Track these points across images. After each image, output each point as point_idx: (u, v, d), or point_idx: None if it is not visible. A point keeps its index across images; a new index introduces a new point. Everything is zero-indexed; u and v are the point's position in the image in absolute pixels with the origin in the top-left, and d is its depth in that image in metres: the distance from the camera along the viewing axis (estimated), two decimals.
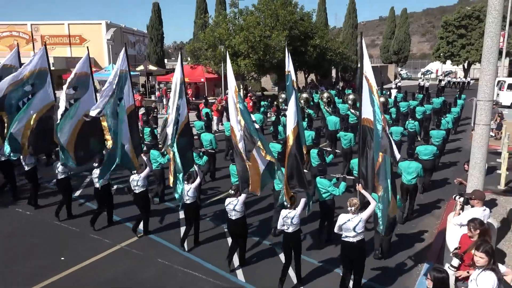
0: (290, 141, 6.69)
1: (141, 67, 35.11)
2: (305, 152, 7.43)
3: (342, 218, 6.22)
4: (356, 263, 6.36)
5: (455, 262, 5.28)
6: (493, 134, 17.53)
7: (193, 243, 8.48)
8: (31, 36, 40.11)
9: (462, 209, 6.88)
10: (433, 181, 12.50)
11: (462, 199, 6.79)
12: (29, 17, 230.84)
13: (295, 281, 7.02)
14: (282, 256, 7.44)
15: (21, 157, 10.32)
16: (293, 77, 7.18)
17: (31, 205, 10.72)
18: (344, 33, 47.10)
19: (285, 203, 6.81)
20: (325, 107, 18.71)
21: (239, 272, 7.50)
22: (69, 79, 9.38)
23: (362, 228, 6.13)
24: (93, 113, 8.31)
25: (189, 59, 31.30)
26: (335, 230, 6.43)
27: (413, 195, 9.67)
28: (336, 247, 7.90)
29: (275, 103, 22.13)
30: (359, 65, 6.48)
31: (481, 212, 6.40)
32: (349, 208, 6.20)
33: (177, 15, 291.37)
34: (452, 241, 6.79)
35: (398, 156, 6.21)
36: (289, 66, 7.17)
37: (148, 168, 8.88)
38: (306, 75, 37.48)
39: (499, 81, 27.18)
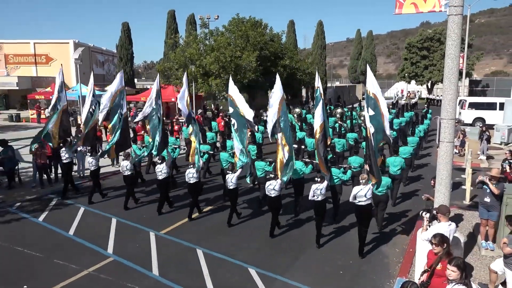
0: (318, 134, 9.56)
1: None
2: (329, 142, 10.32)
3: (355, 189, 8.66)
4: (366, 220, 8.82)
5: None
6: (457, 151, 18.25)
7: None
8: None
9: (430, 224, 7.07)
10: (403, 194, 12.85)
11: (428, 214, 7.00)
12: None
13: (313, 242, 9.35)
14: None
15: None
16: (321, 91, 9.91)
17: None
18: (314, 54, 48.29)
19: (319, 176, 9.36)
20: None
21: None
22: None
23: (370, 195, 8.62)
24: (139, 118, 12.38)
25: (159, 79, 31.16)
26: (350, 199, 8.76)
27: (397, 184, 12.07)
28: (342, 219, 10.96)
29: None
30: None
31: (446, 226, 6.60)
32: (361, 181, 8.69)
33: (147, 34, 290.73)
34: (422, 256, 6.94)
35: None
36: (318, 83, 9.99)
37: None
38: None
39: (460, 100, 28.36)
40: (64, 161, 13.07)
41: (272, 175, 9.84)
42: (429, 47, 51.52)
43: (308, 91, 46.50)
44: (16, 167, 14.16)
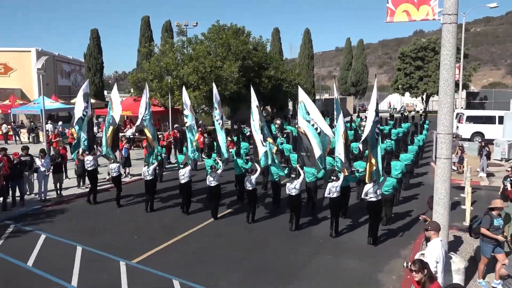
0: (343, 139, 11.44)
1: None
2: (348, 143, 12.78)
3: (367, 186, 10.59)
4: (378, 214, 10.93)
5: None
6: (455, 168, 18.56)
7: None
8: None
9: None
10: (396, 214, 13.01)
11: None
12: None
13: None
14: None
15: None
16: (339, 101, 12.22)
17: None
18: (301, 64, 48.93)
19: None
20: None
21: None
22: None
23: (380, 191, 10.65)
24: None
25: (132, 90, 31.01)
26: (362, 196, 10.88)
27: (400, 186, 14.19)
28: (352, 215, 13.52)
29: (229, 138, 22.22)
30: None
31: (439, 243, 6.66)
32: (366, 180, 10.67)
33: (118, 42, 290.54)
34: None
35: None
36: (335, 93, 12.60)
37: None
38: (261, 108, 38.18)
39: (458, 114, 28.98)
40: (89, 169, 14.93)
41: (294, 175, 11.82)
42: (423, 57, 52.80)
43: (295, 104, 46.87)
44: None
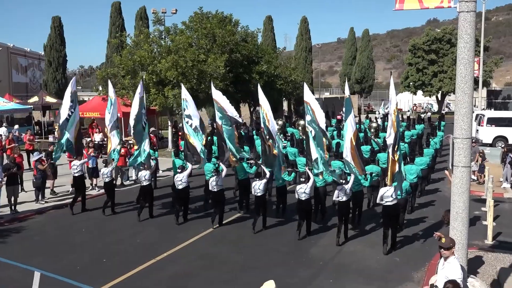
0: (353, 141, 12.36)
1: (35, 99, 33.92)
2: (360, 145, 14.47)
3: (382, 190, 11.54)
4: (394, 220, 11.77)
5: None
6: (475, 178, 18.71)
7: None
8: None
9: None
10: (408, 227, 13.13)
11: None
12: None
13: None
14: None
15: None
16: (351, 100, 13.27)
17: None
18: (297, 57, 49.15)
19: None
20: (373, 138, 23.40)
21: None
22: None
23: (396, 195, 11.32)
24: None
25: (100, 88, 30.85)
26: (377, 200, 11.80)
27: (415, 191, 15.10)
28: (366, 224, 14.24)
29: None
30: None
31: (458, 264, 6.70)
32: (387, 183, 11.43)
33: (85, 32, 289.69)
34: None
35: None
36: (347, 91, 13.15)
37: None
38: (252, 109, 38.16)
39: (477, 115, 29.25)
40: (76, 175, 15.44)
41: (303, 179, 12.82)
42: (437, 50, 53.30)
43: (290, 104, 47.00)
44: None
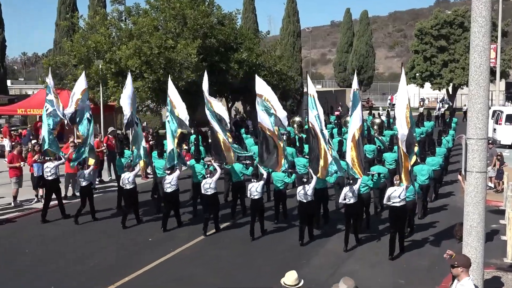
0: (356, 135, 13.38)
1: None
2: (364, 142, 15.49)
3: (390, 190, 12.42)
4: (402, 222, 12.77)
5: None
6: (492, 185, 18.90)
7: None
8: None
9: None
10: (416, 239, 13.13)
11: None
12: None
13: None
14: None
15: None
16: (361, 93, 13.49)
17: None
18: (283, 43, 49.13)
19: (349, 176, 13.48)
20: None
21: None
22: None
23: (404, 195, 12.24)
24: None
25: (47, 80, 30.46)
26: (384, 201, 12.85)
27: (425, 193, 16.00)
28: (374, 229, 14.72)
29: (184, 146, 22.08)
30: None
31: (470, 285, 6.76)
32: (395, 182, 12.43)
33: (28, 13, 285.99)
34: None
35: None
36: (355, 84, 14.37)
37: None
38: (230, 104, 38.04)
39: (494, 111, 29.54)
40: (49, 178, 15.65)
41: (305, 179, 13.46)
42: (448, 35, 53.70)
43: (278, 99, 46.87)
44: None
